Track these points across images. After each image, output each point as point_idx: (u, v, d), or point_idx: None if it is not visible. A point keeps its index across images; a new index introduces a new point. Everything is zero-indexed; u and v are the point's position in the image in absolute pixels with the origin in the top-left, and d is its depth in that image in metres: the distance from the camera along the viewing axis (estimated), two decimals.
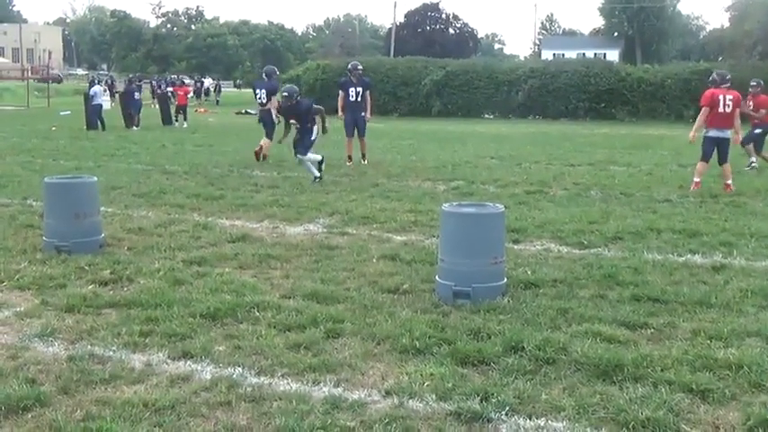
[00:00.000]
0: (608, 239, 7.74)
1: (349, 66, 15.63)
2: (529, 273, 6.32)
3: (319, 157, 12.26)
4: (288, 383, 4.14)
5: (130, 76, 41.11)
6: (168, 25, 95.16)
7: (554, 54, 68.45)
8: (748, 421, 3.67)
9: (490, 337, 4.76)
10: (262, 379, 4.20)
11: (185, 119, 28.22)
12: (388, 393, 4.01)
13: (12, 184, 11.57)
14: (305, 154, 12.09)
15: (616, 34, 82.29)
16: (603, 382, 4.13)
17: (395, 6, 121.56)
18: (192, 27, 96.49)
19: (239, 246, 7.46)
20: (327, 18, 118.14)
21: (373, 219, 8.87)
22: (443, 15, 79.96)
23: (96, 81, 32.54)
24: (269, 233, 8.19)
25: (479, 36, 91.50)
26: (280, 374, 4.26)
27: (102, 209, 8.03)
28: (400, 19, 77.76)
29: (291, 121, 12.15)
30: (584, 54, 61.45)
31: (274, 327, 5.00)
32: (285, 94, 12.32)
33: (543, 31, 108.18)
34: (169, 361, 4.46)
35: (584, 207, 9.74)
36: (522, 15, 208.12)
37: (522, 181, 12.41)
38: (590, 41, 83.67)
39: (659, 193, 11.06)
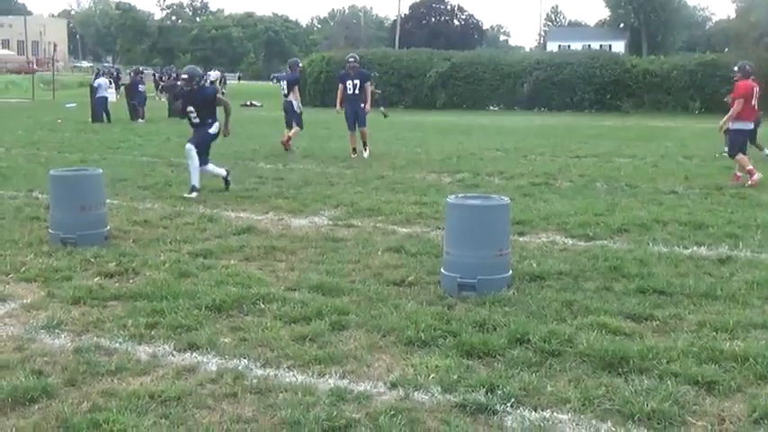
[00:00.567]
0: (613, 231, 7.73)
1: (346, 58, 15.71)
2: (534, 265, 6.32)
3: (223, 172, 10.26)
4: (293, 375, 4.15)
5: (135, 68, 41.10)
6: (173, 17, 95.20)
7: (559, 46, 68.24)
8: (754, 413, 3.66)
9: (495, 329, 4.76)
10: (267, 371, 4.21)
11: None
12: (393, 385, 4.02)
13: (17, 177, 11.59)
14: (201, 151, 9.82)
15: (622, 25, 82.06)
16: (609, 374, 4.13)
17: None
18: (197, 19, 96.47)
19: (244, 238, 7.46)
20: (332, 10, 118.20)
21: (378, 211, 8.86)
22: (448, 7, 79.88)
23: (102, 73, 32.53)
24: (274, 225, 8.20)
25: (484, 28, 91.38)
26: (285, 366, 4.27)
27: (108, 201, 8.04)
28: (405, 11, 77.80)
29: (189, 109, 9.87)
30: (589, 45, 61.31)
31: (280, 319, 5.01)
32: (185, 76, 9.96)
33: (548, 23, 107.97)
34: (175, 353, 4.47)
35: (590, 199, 9.72)
36: (528, 7, 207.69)
37: (528, 173, 12.39)
38: (595, 33, 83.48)
39: (665, 184, 11.03)
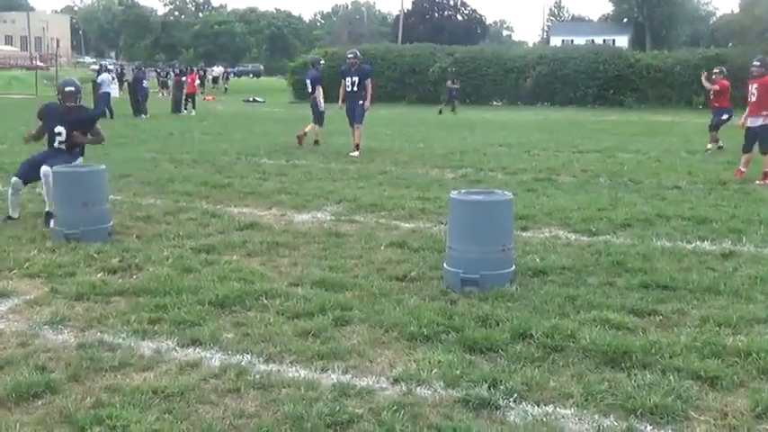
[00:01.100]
0: (616, 226, 7.72)
1: (346, 54, 15.73)
2: (537, 260, 6.31)
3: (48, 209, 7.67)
4: (296, 371, 4.15)
5: (138, 63, 41.12)
6: (176, 13, 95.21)
7: (563, 40, 68.15)
8: (756, 408, 3.66)
9: (498, 325, 4.77)
10: (270, 366, 4.22)
11: (194, 107, 28.29)
12: (396, 380, 4.02)
13: None
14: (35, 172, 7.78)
15: (625, 20, 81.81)
16: (612, 369, 4.13)
17: None
18: (200, 15, 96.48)
19: (247, 233, 7.47)
20: (335, 5, 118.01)
21: (381, 206, 8.86)
22: (451, 2, 79.75)
23: (105, 69, 32.52)
24: (277, 221, 8.20)
25: (487, 23, 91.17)
26: (288, 362, 4.27)
27: (111, 197, 8.05)
28: (408, 6, 77.58)
29: (57, 130, 8.00)
30: (592, 40, 61.12)
31: (283, 314, 5.02)
32: (70, 88, 8.08)
33: (552, 18, 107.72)
34: (178, 348, 4.48)
35: (593, 194, 9.70)
36: (531, 2, 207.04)
37: (531, 168, 12.37)
38: (599, 28, 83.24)
39: (668, 179, 11.01)
